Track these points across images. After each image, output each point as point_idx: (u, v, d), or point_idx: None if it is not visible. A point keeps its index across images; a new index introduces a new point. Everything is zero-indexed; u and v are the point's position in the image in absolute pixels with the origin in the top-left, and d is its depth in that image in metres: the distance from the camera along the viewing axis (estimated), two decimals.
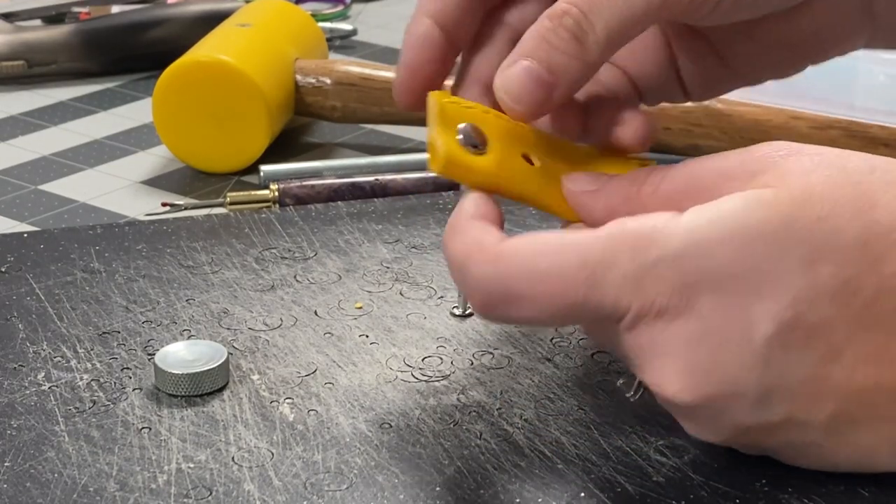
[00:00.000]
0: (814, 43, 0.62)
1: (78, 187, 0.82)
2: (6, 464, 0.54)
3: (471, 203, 0.52)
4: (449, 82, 0.59)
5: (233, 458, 0.54)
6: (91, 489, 0.52)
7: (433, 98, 0.55)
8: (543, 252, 0.49)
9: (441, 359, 0.61)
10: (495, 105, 0.54)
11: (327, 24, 1.10)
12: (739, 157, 0.50)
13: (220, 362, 0.58)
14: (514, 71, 0.53)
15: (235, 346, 0.62)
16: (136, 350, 0.62)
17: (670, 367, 0.48)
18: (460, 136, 0.53)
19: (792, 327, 0.47)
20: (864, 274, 0.47)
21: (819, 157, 0.49)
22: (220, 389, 0.58)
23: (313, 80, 0.88)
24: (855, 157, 0.50)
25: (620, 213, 0.50)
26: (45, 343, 0.62)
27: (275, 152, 0.86)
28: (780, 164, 0.49)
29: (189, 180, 0.84)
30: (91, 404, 0.58)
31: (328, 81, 0.88)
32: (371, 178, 0.80)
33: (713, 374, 0.48)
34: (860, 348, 0.48)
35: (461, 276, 0.51)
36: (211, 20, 0.98)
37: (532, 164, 0.54)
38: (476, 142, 0.53)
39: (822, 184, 0.48)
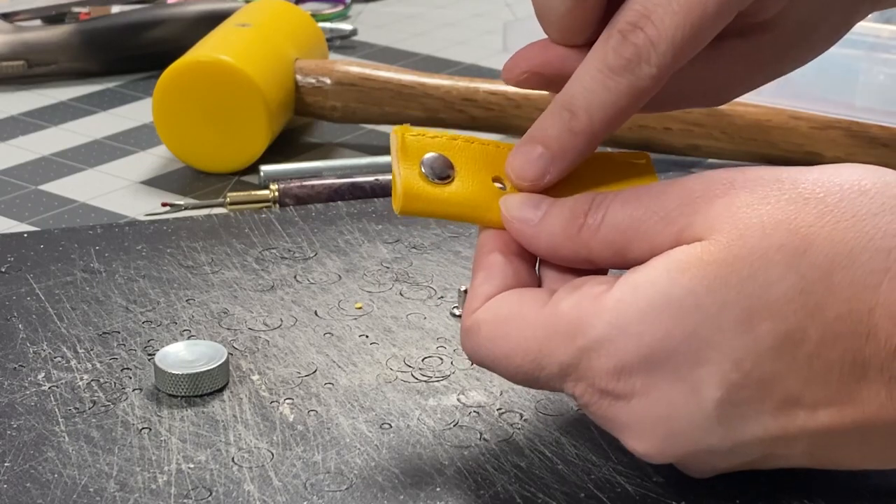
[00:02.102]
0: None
1: (78, 187, 0.82)
2: (6, 464, 0.54)
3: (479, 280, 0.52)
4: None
5: (233, 458, 0.54)
6: (91, 489, 0.52)
7: (395, 133, 0.53)
8: (501, 335, 0.50)
9: (441, 359, 0.61)
10: None
11: (327, 24, 1.10)
12: (678, 197, 0.48)
13: (220, 362, 0.58)
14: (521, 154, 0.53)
15: (235, 346, 0.62)
16: (136, 350, 0.62)
17: (634, 439, 0.49)
18: (424, 169, 0.52)
19: (740, 386, 0.46)
20: (805, 324, 0.46)
21: (754, 193, 0.47)
22: (220, 390, 0.58)
23: (313, 80, 0.88)
24: (793, 183, 0.47)
25: (563, 252, 0.50)
26: (45, 343, 0.62)
27: (275, 152, 0.86)
28: (713, 207, 0.47)
29: (189, 180, 0.84)
30: (91, 404, 0.58)
31: (328, 81, 0.88)
32: (371, 178, 0.80)
33: (675, 441, 0.48)
34: (817, 393, 0.46)
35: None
36: (211, 20, 0.98)
37: (504, 187, 0.53)
38: (445, 172, 0.52)
39: (752, 233, 0.46)
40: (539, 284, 0.52)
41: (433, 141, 0.53)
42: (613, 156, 0.56)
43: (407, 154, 0.52)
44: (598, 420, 0.50)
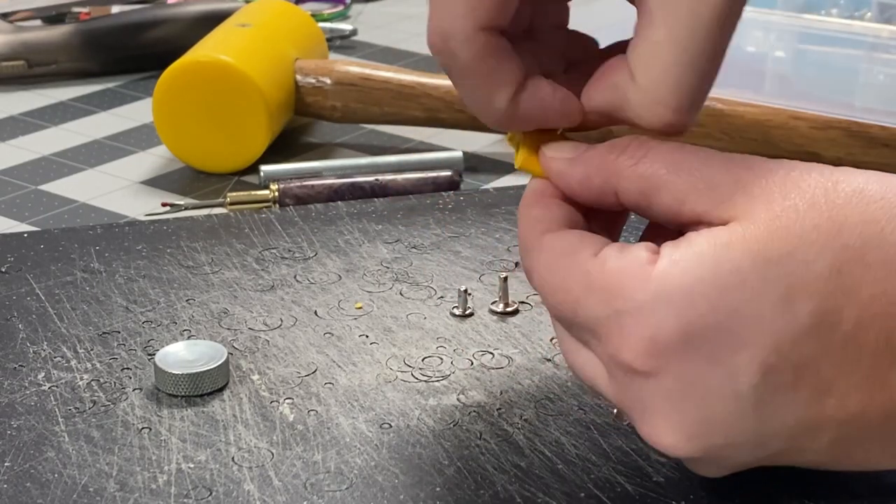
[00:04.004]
0: None
1: (78, 187, 0.82)
2: (6, 464, 0.54)
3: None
4: None
5: (233, 458, 0.54)
6: (91, 489, 0.52)
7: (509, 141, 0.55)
8: (555, 268, 0.50)
9: (441, 359, 0.61)
10: None
11: (327, 24, 1.10)
12: (724, 168, 0.49)
13: (220, 362, 0.58)
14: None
15: (235, 346, 0.62)
16: (136, 350, 0.62)
17: (660, 424, 0.48)
18: None
19: (778, 371, 0.47)
20: (841, 304, 0.46)
21: (787, 182, 0.48)
22: (220, 389, 0.58)
23: (313, 80, 0.88)
24: (820, 173, 0.49)
25: (595, 183, 0.50)
26: (45, 343, 0.62)
27: (275, 152, 0.86)
28: (751, 190, 0.48)
29: (189, 180, 0.84)
30: (91, 404, 0.58)
31: (328, 81, 0.88)
32: (371, 178, 0.80)
33: (705, 429, 0.48)
34: (849, 377, 0.47)
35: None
36: (211, 20, 0.98)
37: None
38: None
39: (788, 214, 0.47)
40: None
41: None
42: None
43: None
44: (623, 402, 0.49)
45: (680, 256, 0.47)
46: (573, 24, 0.56)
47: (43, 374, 0.60)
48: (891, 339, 0.46)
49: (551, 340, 0.62)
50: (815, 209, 0.47)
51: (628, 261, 0.48)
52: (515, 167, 0.53)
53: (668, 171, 0.49)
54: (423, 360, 0.61)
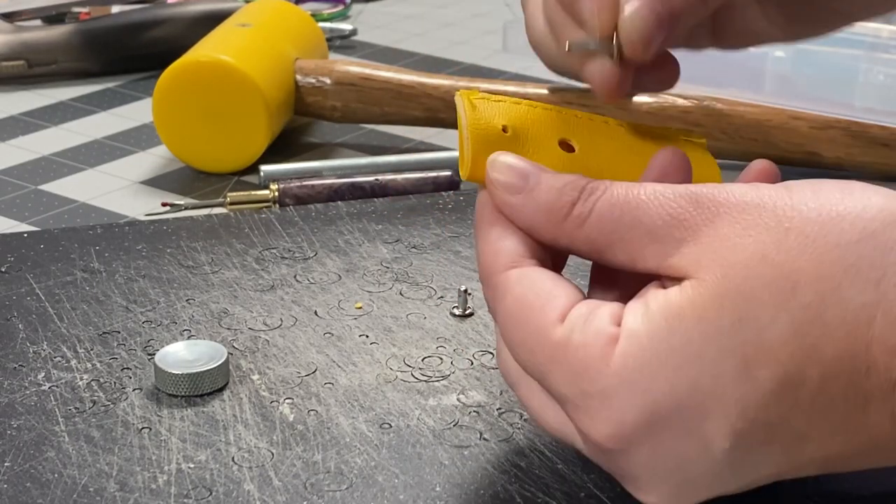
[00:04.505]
0: None
1: (78, 187, 0.82)
2: (6, 464, 0.54)
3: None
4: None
5: (233, 458, 0.54)
6: (91, 489, 0.52)
7: (460, 96, 0.53)
8: (521, 319, 0.49)
9: (441, 359, 0.61)
10: None
11: (327, 24, 1.10)
12: (667, 214, 0.47)
13: (220, 362, 0.58)
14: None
15: (235, 346, 0.62)
16: (136, 350, 0.62)
17: (642, 487, 0.48)
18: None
19: (749, 433, 0.46)
20: (803, 366, 0.45)
21: (736, 223, 0.46)
22: (220, 389, 0.58)
23: (313, 80, 0.88)
24: (773, 209, 0.46)
25: (542, 235, 0.50)
26: (45, 343, 0.62)
27: (275, 152, 0.86)
28: (699, 238, 0.47)
29: (189, 180, 0.84)
30: (91, 404, 0.58)
31: (328, 81, 0.88)
32: (371, 178, 0.80)
33: (687, 489, 0.48)
34: (824, 426, 0.46)
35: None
36: (211, 20, 0.98)
37: (572, 149, 0.53)
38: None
39: (737, 272, 0.46)
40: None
41: (497, 105, 0.53)
42: (673, 135, 0.56)
43: (476, 118, 0.52)
44: (597, 461, 0.49)
45: (637, 331, 0.47)
46: None
47: (43, 374, 0.60)
48: (859, 391, 0.45)
49: None
50: (767, 264, 0.46)
51: (593, 336, 0.47)
52: (461, 178, 0.53)
53: (613, 229, 0.48)
54: (423, 359, 0.61)
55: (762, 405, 0.45)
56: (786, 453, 0.47)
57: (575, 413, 0.48)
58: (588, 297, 0.51)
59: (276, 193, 0.78)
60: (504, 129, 0.52)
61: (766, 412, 0.46)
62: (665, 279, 0.48)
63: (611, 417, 0.47)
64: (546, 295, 0.49)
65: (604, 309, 0.48)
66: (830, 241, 0.46)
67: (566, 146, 0.53)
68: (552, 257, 0.51)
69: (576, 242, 0.49)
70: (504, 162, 0.51)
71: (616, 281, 0.51)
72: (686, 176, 0.52)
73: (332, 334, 0.63)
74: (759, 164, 0.52)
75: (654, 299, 0.47)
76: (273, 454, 0.54)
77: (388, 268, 0.69)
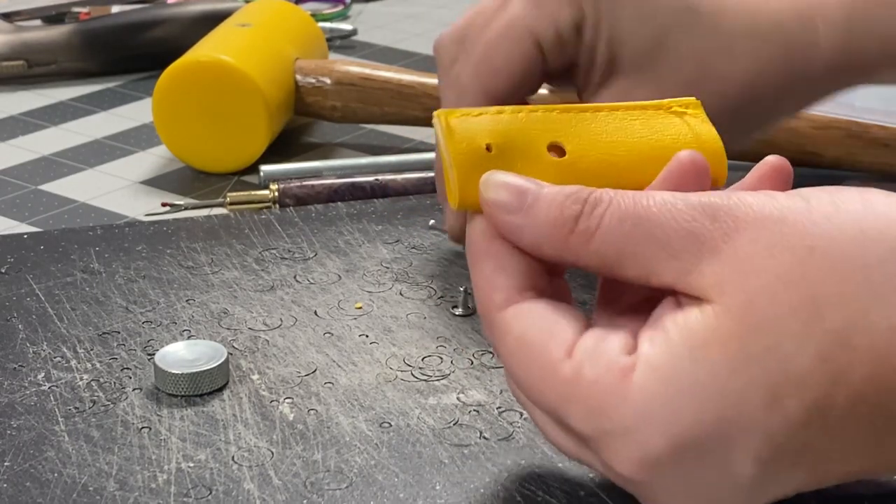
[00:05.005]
0: None
1: (78, 187, 0.82)
2: (6, 464, 0.54)
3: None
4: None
5: (233, 457, 0.54)
6: (91, 488, 0.52)
7: (437, 118, 0.51)
8: (525, 360, 0.48)
9: (441, 358, 0.61)
10: None
11: (327, 24, 1.10)
12: (683, 230, 0.46)
13: (219, 362, 0.58)
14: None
15: (235, 346, 0.62)
16: (136, 350, 0.62)
17: None
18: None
19: (774, 460, 0.45)
20: (831, 392, 0.44)
21: (758, 241, 0.45)
22: (220, 389, 0.58)
23: (313, 80, 0.88)
24: (794, 225, 0.45)
25: (547, 253, 0.48)
26: (45, 343, 0.62)
27: (275, 152, 0.86)
28: (720, 258, 0.45)
29: (189, 180, 0.84)
30: (91, 404, 0.58)
31: (328, 81, 0.88)
32: (371, 178, 0.80)
33: None
34: (849, 449, 0.45)
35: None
36: (211, 20, 0.98)
37: (564, 153, 0.51)
38: None
39: (762, 298, 0.44)
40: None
41: (478, 120, 0.50)
42: (660, 104, 0.53)
43: (456, 142, 0.50)
44: (623, 486, 0.48)
45: (656, 361, 0.45)
46: None
47: (43, 374, 0.60)
48: (886, 412, 0.45)
49: None
50: (791, 289, 0.44)
51: (604, 370, 0.46)
52: (452, 207, 0.50)
53: (624, 243, 0.47)
54: (423, 359, 0.61)
55: (790, 434, 0.45)
56: (810, 474, 0.46)
57: (596, 449, 0.47)
58: (596, 310, 0.50)
59: (276, 194, 0.78)
60: (488, 148, 0.50)
61: (793, 440, 0.45)
62: (681, 296, 0.46)
63: (634, 453, 0.45)
64: (549, 331, 0.47)
65: (612, 339, 0.46)
66: (857, 263, 0.45)
67: (557, 150, 0.51)
68: (553, 266, 0.50)
69: (583, 258, 0.47)
70: (498, 180, 0.49)
71: (624, 293, 0.50)
72: (704, 183, 0.50)
73: (332, 334, 0.63)
74: (770, 161, 0.51)
75: (673, 326, 0.46)
76: (273, 453, 0.54)
77: (388, 268, 0.69)
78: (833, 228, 0.45)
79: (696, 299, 0.46)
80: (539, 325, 0.48)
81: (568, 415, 0.46)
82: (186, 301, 0.66)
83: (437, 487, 0.52)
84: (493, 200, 0.49)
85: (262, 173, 0.82)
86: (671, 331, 0.45)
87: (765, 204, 0.46)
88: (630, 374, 0.45)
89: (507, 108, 0.51)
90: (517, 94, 0.64)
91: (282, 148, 0.87)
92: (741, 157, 0.85)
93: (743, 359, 0.44)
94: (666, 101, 0.53)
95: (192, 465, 0.54)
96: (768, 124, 0.71)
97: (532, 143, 0.50)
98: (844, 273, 0.44)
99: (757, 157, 0.87)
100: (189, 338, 0.63)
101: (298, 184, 0.79)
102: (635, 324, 0.48)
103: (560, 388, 0.46)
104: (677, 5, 0.64)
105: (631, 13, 0.64)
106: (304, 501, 0.52)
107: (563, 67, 0.65)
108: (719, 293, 0.45)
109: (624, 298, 0.50)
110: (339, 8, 1.18)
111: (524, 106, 0.52)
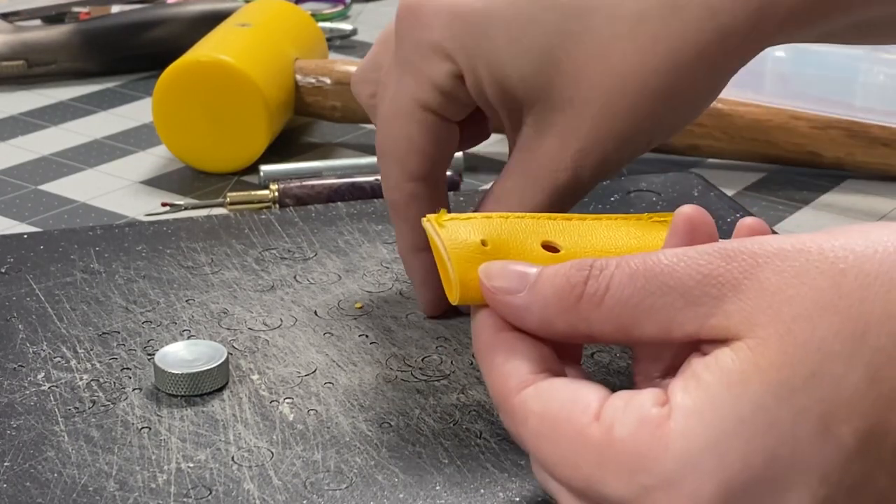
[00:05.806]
0: None
1: (78, 187, 0.83)
2: (6, 464, 0.54)
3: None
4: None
5: (233, 457, 0.54)
6: (91, 489, 0.52)
7: (427, 223, 0.51)
8: (551, 439, 0.45)
9: (441, 358, 0.61)
10: None
11: (327, 24, 1.10)
12: (697, 273, 0.44)
13: (219, 362, 0.58)
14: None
15: (235, 346, 0.62)
16: (136, 350, 0.62)
17: None
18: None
19: (831, 499, 0.42)
20: (885, 416, 0.42)
21: (782, 272, 0.43)
22: (220, 389, 0.58)
23: (313, 80, 0.88)
24: (820, 252, 0.43)
25: (559, 327, 0.46)
26: (44, 343, 0.62)
27: (275, 152, 0.86)
28: (744, 294, 0.43)
29: (189, 180, 0.84)
30: (91, 404, 0.58)
31: (328, 81, 0.88)
32: (371, 178, 0.80)
33: None
34: None
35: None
36: (211, 20, 0.98)
37: (557, 250, 0.51)
38: None
39: (801, 325, 0.42)
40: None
41: (468, 223, 0.51)
42: (640, 216, 0.54)
43: (451, 238, 0.50)
44: None
45: (694, 406, 0.42)
46: None
47: (43, 374, 0.60)
48: None
49: None
50: (831, 311, 0.42)
51: (637, 424, 0.43)
52: (452, 303, 0.50)
53: (638, 300, 0.44)
54: (422, 359, 0.61)
55: (845, 467, 0.42)
56: None
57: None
58: (635, 374, 0.48)
59: (276, 193, 0.78)
60: (483, 243, 0.50)
61: (849, 474, 0.42)
62: (706, 344, 0.44)
63: None
64: (571, 401, 0.45)
65: (642, 395, 0.44)
66: (892, 271, 0.42)
67: (550, 248, 0.51)
68: (568, 351, 0.48)
69: (596, 324, 0.45)
70: (499, 267, 0.48)
71: (656, 360, 0.47)
72: (713, 234, 0.48)
73: (332, 334, 0.63)
74: (748, 222, 0.49)
75: (705, 370, 0.43)
76: (273, 453, 0.54)
77: (388, 268, 0.69)
78: (861, 249, 0.43)
79: (723, 342, 0.43)
80: (560, 397, 0.45)
81: (604, 482, 0.43)
82: (186, 301, 0.66)
83: (437, 487, 0.52)
84: (496, 287, 0.48)
85: (262, 173, 0.82)
86: (704, 375, 0.43)
87: (780, 240, 0.44)
88: (666, 423, 0.43)
89: (494, 213, 0.52)
90: (440, 156, 0.61)
91: (282, 148, 0.87)
92: (737, 156, 0.85)
93: (788, 388, 0.42)
94: (645, 214, 0.55)
95: (191, 465, 0.54)
96: (722, 82, 0.61)
97: (525, 241, 0.51)
98: (885, 289, 0.42)
99: (757, 158, 0.87)
100: (189, 338, 0.63)
101: (298, 184, 0.79)
102: (668, 383, 0.45)
103: (591, 455, 0.44)
104: (558, 18, 0.58)
105: (504, 45, 0.58)
106: (304, 501, 0.52)
107: (474, 118, 0.62)
108: (750, 328, 0.43)
109: (656, 366, 0.47)
110: (339, 8, 1.18)
111: (510, 213, 0.53)
